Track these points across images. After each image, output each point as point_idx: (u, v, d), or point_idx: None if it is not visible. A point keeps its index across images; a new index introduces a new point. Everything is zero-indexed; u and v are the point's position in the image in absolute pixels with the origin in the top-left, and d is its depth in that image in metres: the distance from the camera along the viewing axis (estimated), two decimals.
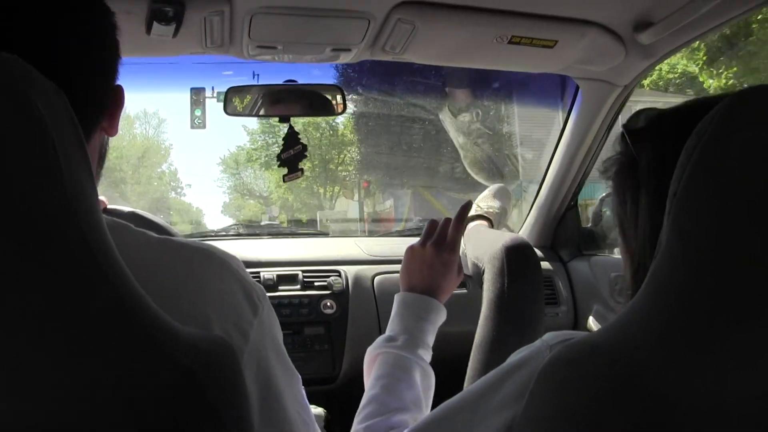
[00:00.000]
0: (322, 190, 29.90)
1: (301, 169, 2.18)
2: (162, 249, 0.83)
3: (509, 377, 0.87)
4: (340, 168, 28.50)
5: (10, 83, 0.53)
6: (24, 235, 0.52)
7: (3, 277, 0.51)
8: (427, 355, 1.34)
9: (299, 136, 2.16)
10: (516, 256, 1.96)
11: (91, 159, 0.84)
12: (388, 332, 1.38)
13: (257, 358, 0.83)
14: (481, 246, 2.19)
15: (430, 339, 1.38)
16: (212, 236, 3.05)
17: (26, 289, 0.52)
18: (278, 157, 2.18)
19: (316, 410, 1.65)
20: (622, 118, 2.35)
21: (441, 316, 1.42)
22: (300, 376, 0.98)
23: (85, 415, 0.55)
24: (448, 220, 1.55)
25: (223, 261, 0.87)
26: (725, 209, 0.60)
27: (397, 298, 1.45)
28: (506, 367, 0.90)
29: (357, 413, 1.23)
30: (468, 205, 1.61)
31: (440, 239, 1.51)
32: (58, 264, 0.54)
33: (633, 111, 0.96)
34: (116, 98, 0.87)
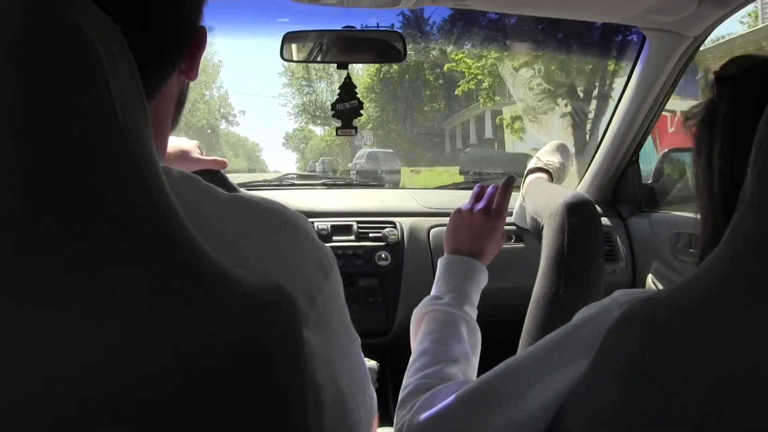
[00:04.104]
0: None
1: (355, 128, 2.14)
2: (231, 206, 0.80)
3: (576, 333, 0.87)
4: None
5: (63, 14, 0.51)
6: (79, 181, 0.51)
7: (57, 224, 0.50)
8: (473, 312, 1.36)
9: (356, 90, 2.12)
10: (577, 213, 1.93)
11: (168, 102, 0.83)
12: (433, 292, 1.40)
13: (323, 323, 0.81)
14: (541, 201, 2.16)
15: (475, 298, 1.40)
16: (265, 186, 3.01)
17: (80, 236, 0.51)
18: (333, 106, 2.14)
19: (369, 363, 1.63)
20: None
21: (484, 278, 1.44)
22: (359, 338, 0.96)
23: (135, 362, 0.54)
24: (496, 186, 1.57)
25: (296, 223, 0.84)
26: None
27: (441, 260, 1.47)
28: (573, 323, 0.90)
29: (408, 367, 1.23)
30: (513, 178, 1.61)
31: (489, 204, 1.53)
32: (113, 211, 0.52)
33: None
34: (198, 39, 0.83)
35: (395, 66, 23.59)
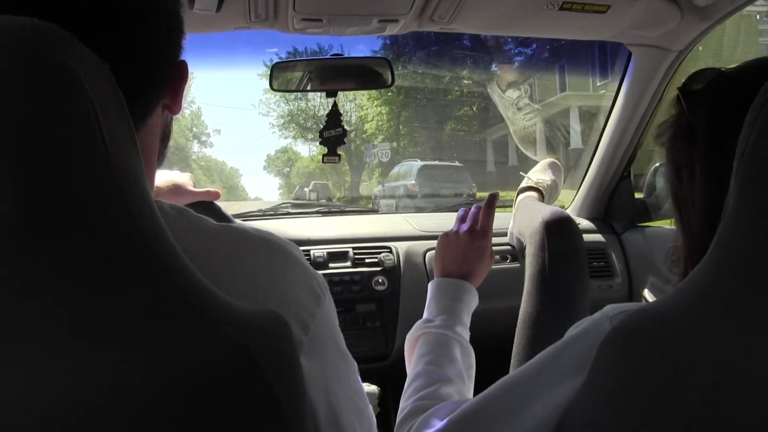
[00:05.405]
0: None
1: (339, 155, 2.16)
2: (221, 237, 0.81)
3: (569, 349, 0.86)
4: None
5: (51, 53, 0.52)
6: (71, 215, 0.51)
7: (48, 256, 0.51)
8: (466, 333, 1.37)
9: (341, 118, 2.13)
10: (556, 230, 1.95)
11: (153, 136, 0.83)
12: (425, 316, 1.41)
13: (316, 349, 0.82)
14: (524, 220, 2.19)
15: (467, 319, 1.40)
16: (260, 216, 3.00)
17: (72, 268, 0.51)
18: (320, 133, 2.15)
19: (369, 388, 1.64)
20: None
21: (474, 299, 1.45)
22: (356, 363, 0.96)
23: (132, 392, 0.54)
24: (479, 207, 1.59)
25: (286, 251, 0.85)
26: None
27: (431, 284, 1.48)
28: (565, 339, 0.89)
29: (404, 391, 1.23)
30: (496, 195, 1.63)
31: (473, 225, 1.54)
32: (105, 243, 0.53)
33: None
34: (179, 74, 0.84)
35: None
